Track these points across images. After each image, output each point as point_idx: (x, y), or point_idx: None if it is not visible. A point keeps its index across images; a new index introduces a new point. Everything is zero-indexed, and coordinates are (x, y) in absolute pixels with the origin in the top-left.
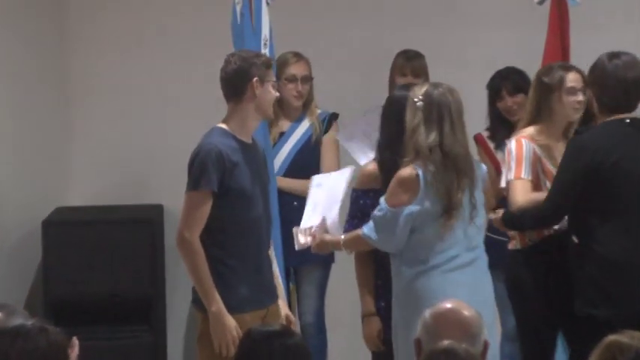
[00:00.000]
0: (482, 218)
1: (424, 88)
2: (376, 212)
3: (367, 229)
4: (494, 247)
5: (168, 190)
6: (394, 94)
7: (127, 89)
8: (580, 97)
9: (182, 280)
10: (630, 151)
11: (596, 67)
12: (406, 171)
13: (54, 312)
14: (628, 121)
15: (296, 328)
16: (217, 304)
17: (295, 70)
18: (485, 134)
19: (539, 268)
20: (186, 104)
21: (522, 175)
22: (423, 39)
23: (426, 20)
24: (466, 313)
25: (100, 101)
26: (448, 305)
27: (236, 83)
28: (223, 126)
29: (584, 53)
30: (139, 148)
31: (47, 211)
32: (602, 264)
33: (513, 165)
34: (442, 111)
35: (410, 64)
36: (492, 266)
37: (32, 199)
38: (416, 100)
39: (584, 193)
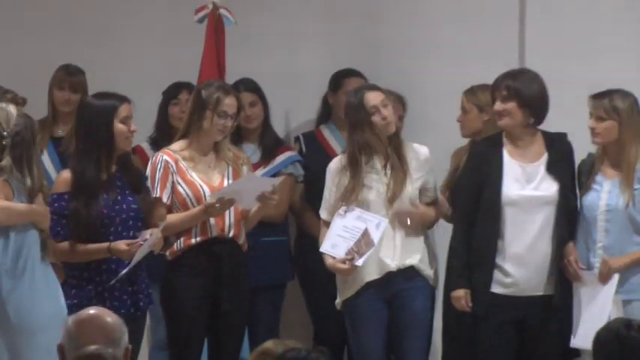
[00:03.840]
0: None
1: None
2: None
3: None
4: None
5: None
6: (88, 102)
7: None
8: (229, 123)
9: None
10: None
11: None
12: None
13: None
14: None
15: None
16: None
17: None
18: (145, 146)
19: (188, 275)
20: None
21: (164, 196)
22: (80, 54)
23: (84, 36)
24: (108, 319)
25: None
26: (91, 311)
27: None
28: None
29: (240, 72)
30: None
31: None
32: None
33: (153, 184)
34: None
35: (69, 78)
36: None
37: None
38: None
39: None
